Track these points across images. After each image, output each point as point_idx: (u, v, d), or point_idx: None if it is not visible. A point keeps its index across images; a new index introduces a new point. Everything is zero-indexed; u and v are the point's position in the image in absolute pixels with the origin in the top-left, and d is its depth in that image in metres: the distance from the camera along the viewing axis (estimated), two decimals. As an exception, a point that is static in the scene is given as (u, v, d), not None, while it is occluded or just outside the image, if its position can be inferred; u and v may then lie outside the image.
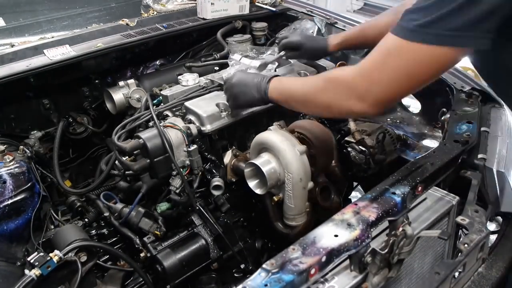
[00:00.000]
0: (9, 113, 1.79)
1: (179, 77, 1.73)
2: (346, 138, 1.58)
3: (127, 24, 2.01)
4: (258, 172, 1.36)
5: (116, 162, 1.56)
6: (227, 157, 1.54)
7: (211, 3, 2.08)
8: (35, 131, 1.79)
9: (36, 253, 1.18)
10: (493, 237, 1.59)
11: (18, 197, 1.35)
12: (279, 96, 1.31)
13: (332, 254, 1.03)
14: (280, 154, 1.32)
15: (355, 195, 2.06)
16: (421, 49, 1.00)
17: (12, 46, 1.79)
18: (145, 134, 1.42)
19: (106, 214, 1.54)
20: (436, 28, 0.98)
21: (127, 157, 1.46)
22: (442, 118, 1.66)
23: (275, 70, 1.75)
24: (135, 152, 1.45)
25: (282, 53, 1.71)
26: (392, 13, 1.52)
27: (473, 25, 0.96)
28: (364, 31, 1.62)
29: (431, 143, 1.76)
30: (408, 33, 1.01)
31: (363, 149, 1.52)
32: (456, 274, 1.24)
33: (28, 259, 1.17)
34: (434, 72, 1.05)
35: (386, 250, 1.09)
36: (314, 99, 1.20)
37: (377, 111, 1.11)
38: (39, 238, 1.40)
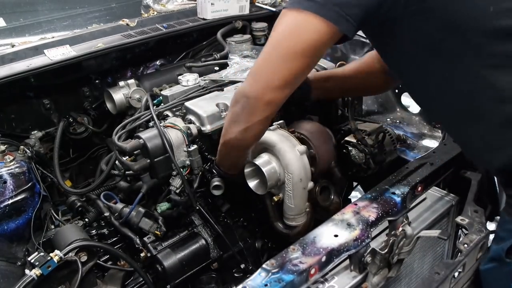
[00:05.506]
0: (9, 113, 1.79)
1: (179, 77, 1.72)
2: (346, 138, 1.58)
3: (127, 24, 2.01)
4: (258, 172, 1.36)
5: (117, 162, 1.56)
6: (227, 157, 1.54)
7: (211, 3, 2.08)
8: (36, 131, 1.79)
9: (36, 253, 1.19)
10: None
11: (19, 197, 1.36)
12: None
13: (332, 254, 1.03)
14: (280, 154, 1.32)
15: (355, 195, 2.06)
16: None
17: (13, 46, 1.79)
18: (145, 134, 1.42)
19: (107, 214, 1.54)
20: None
21: (127, 157, 1.46)
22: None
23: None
24: (135, 152, 1.45)
25: None
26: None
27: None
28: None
29: (431, 143, 1.76)
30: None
31: (365, 149, 1.52)
32: (456, 274, 1.24)
33: (29, 259, 1.18)
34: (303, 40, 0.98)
35: (386, 250, 1.10)
36: None
37: None
38: (40, 238, 1.40)
